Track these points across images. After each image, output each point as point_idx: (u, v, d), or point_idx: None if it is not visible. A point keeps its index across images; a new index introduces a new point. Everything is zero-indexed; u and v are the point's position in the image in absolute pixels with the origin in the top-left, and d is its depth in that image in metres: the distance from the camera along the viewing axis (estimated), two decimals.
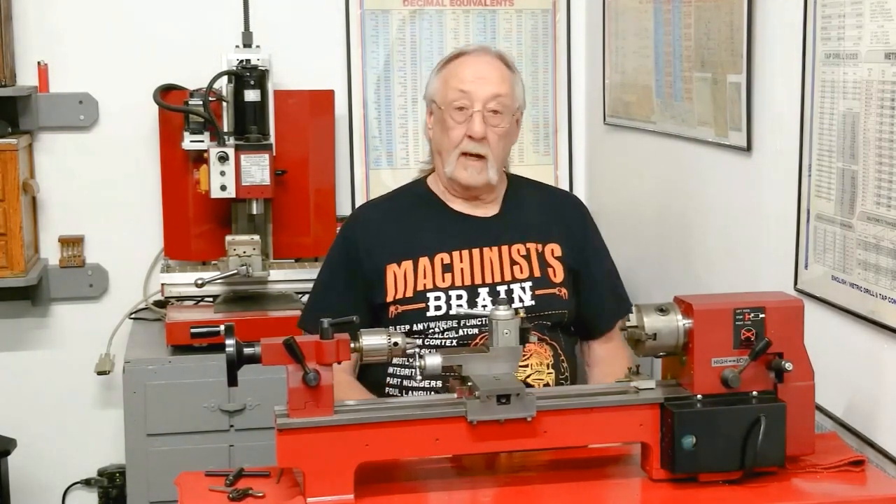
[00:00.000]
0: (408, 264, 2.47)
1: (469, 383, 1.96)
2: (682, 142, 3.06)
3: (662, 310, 2.01)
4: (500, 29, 3.90)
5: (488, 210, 2.57)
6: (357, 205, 3.82)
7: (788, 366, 1.97)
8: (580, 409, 1.99)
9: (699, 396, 1.98)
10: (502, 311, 2.00)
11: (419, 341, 2.43)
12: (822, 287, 2.30)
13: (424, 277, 2.46)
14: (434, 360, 1.97)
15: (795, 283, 2.40)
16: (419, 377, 2.43)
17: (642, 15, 3.29)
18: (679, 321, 2.00)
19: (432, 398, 2.12)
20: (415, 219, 2.56)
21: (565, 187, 3.94)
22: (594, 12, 3.78)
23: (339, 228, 2.66)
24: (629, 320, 2.03)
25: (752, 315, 1.98)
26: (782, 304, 2.02)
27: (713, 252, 2.89)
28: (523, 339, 2.01)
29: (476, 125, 2.44)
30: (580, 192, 3.95)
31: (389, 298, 2.46)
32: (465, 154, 2.47)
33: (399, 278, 2.46)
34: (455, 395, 2.01)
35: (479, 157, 2.47)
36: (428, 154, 2.68)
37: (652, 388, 2.01)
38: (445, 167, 2.50)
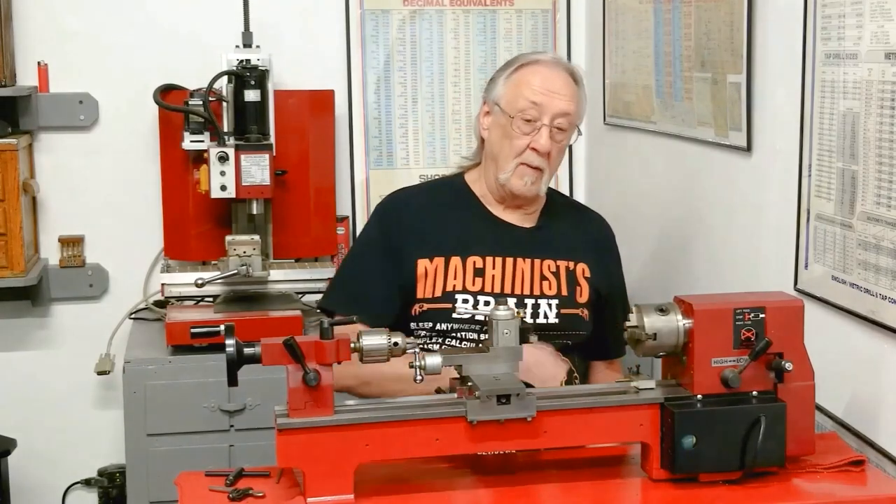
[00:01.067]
0: (439, 261, 2.45)
1: (469, 383, 1.96)
2: (682, 142, 3.06)
3: (662, 310, 2.01)
4: (500, 29, 3.90)
5: (525, 221, 2.55)
6: (357, 204, 3.83)
7: (788, 366, 1.97)
8: (580, 409, 1.99)
9: (699, 396, 1.98)
10: (502, 311, 2.00)
11: (440, 340, 2.42)
12: (822, 287, 2.30)
13: (454, 278, 2.44)
14: (434, 360, 1.97)
15: (795, 283, 2.40)
16: (418, 378, 2.42)
17: (642, 15, 3.29)
18: (679, 321, 2.00)
19: (432, 398, 2.12)
20: (451, 216, 2.53)
21: (565, 187, 3.94)
22: (594, 12, 3.78)
23: (345, 246, 2.63)
24: (629, 320, 2.03)
25: (752, 315, 1.98)
26: (782, 304, 2.02)
27: (713, 252, 2.89)
28: (523, 339, 2.01)
29: (543, 139, 2.42)
30: (580, 193, 3.96)
31: (418, 295, 2.44)
32: (524, 164, 2.45)
33: (429, 274, 2.44)
34: (455, 395, 2.01)
35: (537, 168, 2.46)
36: (475, 151, 2.62)
37: (652, 388, 2.01)
38: (500, 173, 2.47)
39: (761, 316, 1.98)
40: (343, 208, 3.79)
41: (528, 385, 2.00)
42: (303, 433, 1.89)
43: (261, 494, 1.94)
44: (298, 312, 3.32)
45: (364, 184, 3.85)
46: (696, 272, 2.99)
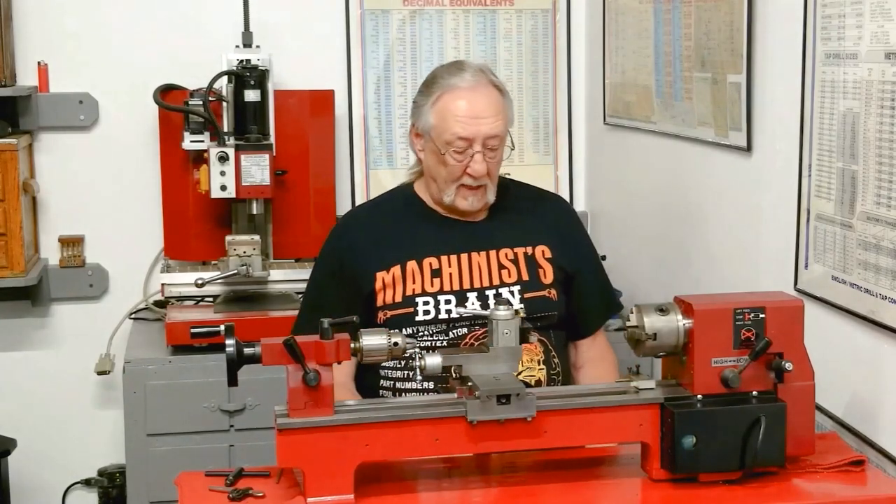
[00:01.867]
0: (396, 269, 2.47)
1: (469, 383, 1.96)
2: (682, 142, 3.06)
3: (662, 310, 2.01)
4: (500, 29, 3.90)
5: (476, 215, 2.55)
6: (357, 204, 3.82)
7: (788, 366, 1.97)
8: (580, 409, 1.99)
9: (699, 396, 1.98)
10: (502, 311, 2.00)
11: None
12: (822, 287, 2.30)
13: (413, 282, 2.45)
14: (434, 360, 1.97)
15: (795, 283, 2.40)
16: (418, 377, 2.42)
17: (642, 15, 3.29)
18: (679, 321, 2.00)
19: (432, 398, 2.12)
20: (402, 224, 2.55)
21: (565, 187, 3.94)
22: (594, 12, 3.78)
23: (327, 235, 2.64)
24: (629, 320, 2.03)
25: (752, 315, 1.98)
26: (782, 304, 2.02)
27: (713, 252, 2.89)
28: (523, 339, 2.01)
29: (477, 166, 2.41)
30: (580, 192, 3.96)
31: (379, 303, 2.46)
32: (463, 186, 2.46)
33: (388, 284, 2.46)
34: (455, 395, 2.01)
35: (479, 187, 2.46)
36: (413, 164, 2.63)
37: (652, 388, 2.01)
38: (444, 196, 2.48)
39: (761, 316, 1.98)
40: (343, 208, 3.79)
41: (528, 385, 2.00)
42: (303, 433, 1.89)
43: (261, 494, 1.94)
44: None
45: (364, 184, 3.85)
46: (696, 272, 2.99)
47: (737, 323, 1.98)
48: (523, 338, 2.01)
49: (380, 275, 2.47)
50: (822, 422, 2.24)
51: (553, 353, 2.48)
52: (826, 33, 2.25)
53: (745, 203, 2.69)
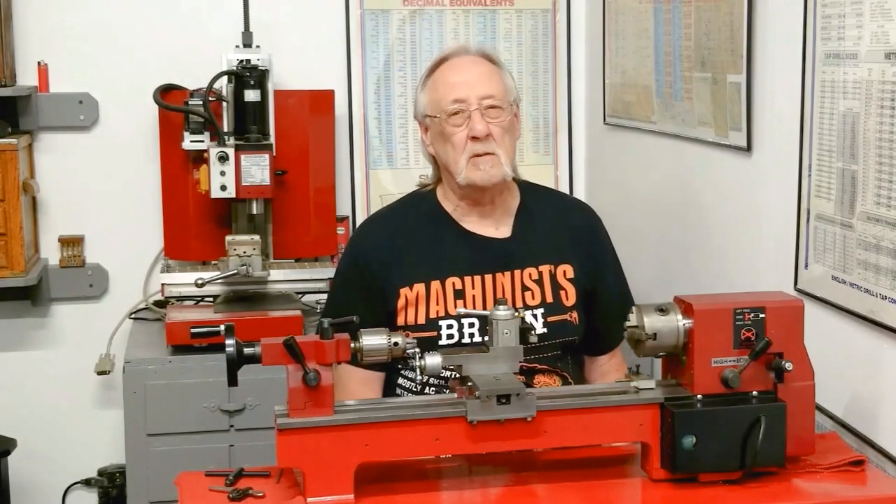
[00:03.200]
0: (420, 287, 2.42)
1: (469, 383, 1.96)
2: (682, 142, 3.06)
3: (662, 310, 2.01)
4: (500, 29, 3.90)
5: (500, 230, 2.51)
6: (357, 204, 3.83)
7: (788, 366, 1.97)
8: (580, 409, 1.99)
9: (699, 396, 1.98)
10: (502, 311, 2.00)
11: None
12: (822, 287, 2.30)
13: (437, 304, 2.41)
14: (434, 360, 1.97)
15: (795, 283, 2.40)
16: (425, 384, 2.41)
17: (642, 15, 3.29)
18: (679, 321, 2.00)
19: (432, 398, 2.12)
20: (425, 237, 2.49)
21: (565, 187, 3.94)
22: (594, 12, 3.78)
23: (344, 246, 2.58)
24: (629, 320, 2.03)
25: (752, 315, 1.98)
26: (782, 304, 2.02)
27: (713, 252, 2.89)
28: (523, 339, 2.01)
29: (477, 123, 2.38)
30: (580, 193, 3.95)
31: (400, 322, 2.42)
32: (473, 155, 2.41)
33: (411, 302, 2.42)
34: (455, 395, 2.01)
35: (487, 153, 2.41)
36: (431, 172, 2.59)
37: (652, 388, 2.01)
38: (457, 176, 2.42)
39: (761, 316, 1.98)
40: (343, 208, 3.79)
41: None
42: (303, 433, 1.89)
43: (261, 494, 1.94)
44: (298, 312, 3.32)
45: (364, 184, 3.85)
46: (696, 272, 2.99)
47: (737, 323, 1.98)
48: (523, 338, 2.01)
49: (403, 290, 2.43)
50: (822, 422, 2.24)
51: (571, 384, 2.46)
52: (826, 33, 2.25)
53: (745, 203, 2.69)
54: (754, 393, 1.99)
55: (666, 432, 1.97)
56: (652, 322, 2.00)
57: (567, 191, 3.92)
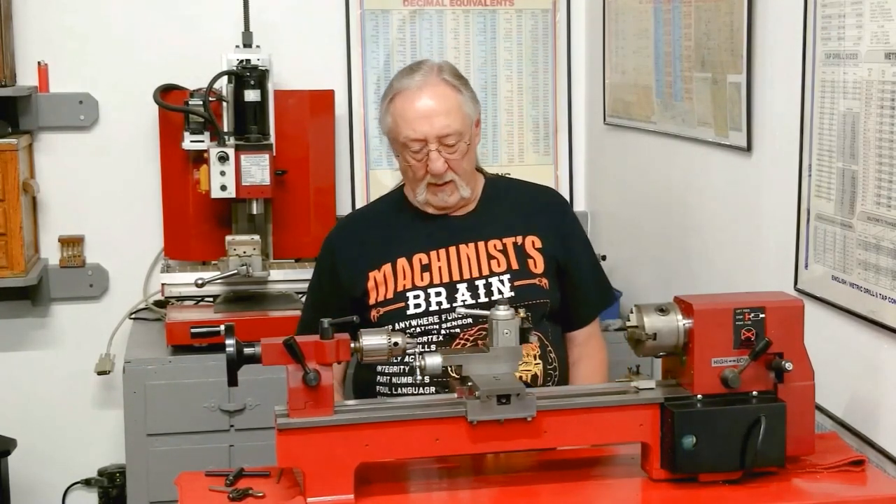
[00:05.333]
0: (387, 267, 2.50)
1: (469, 383, 1.97)
2: (682, 142, 3.06)
3: (662, 310, 2.01)
4: (500, 29, 3.90)
5: (464, 208, 2.57)
6: (357, 204, 3.83)
7: (788, 366, 1.97)
8: (580, 409, 1.99)
9: (699, 396, 1.98)
10: (502, 311, 2.00)
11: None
12: (822, 287, 2.30)
13: (404, 278, 2.48)
14: (434, 360, 1.97)
15: (795, 283, 2.40)
16: (418, 377, 2.43)
17: (642, 15, 3.29)
18: (679, 321, 2.00)
19: (432, 398, 2.12)
20: (392, 224, 2.58)
21: (565, 187, 3.94)
22: (594, 12, 3.78)
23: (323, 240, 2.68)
24: (629, 320, 2.03)
25: (752, 315, 1.98)
26: (782, 304, 2.02)
27: (713, 252, 2.89)
28: (524, 339, 2.01)
29: (434, 164, 2.43)
30: (580, 193, 3.96)
31: (371, 302, 2.48)
32: (431, 184, 2.48)
33: (380, 282, 2.49)
34: (455, 395, 2.01)
35: (446, 183, 2.48)
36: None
37: (652, 388, 2.01)
38: (416, 196, 2.52)
39: (761, 316, 1.98)
40: (343, 208, 3.79)
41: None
42: (303, 433, 1.89)
43: (261, 494, 1.94)
44: (298, 312, 3.31)
45: (364, 184, 3.85)
46: (696, 272, 2.99)
47: (737, 323, 1.98)
48: (523, 338, 2.01)
49: (372, 274, 2.50)
50: (822, 422, 2.23)
51: (549, 347, 2.48)
52: (826, 33, 2.25)
53: (745, 203, 2.69)
54: (754, 393, 1.99)
55: (666, 432, 1.97)
56: (652, 322, 2.00)
57: (567, 190, 3.92)
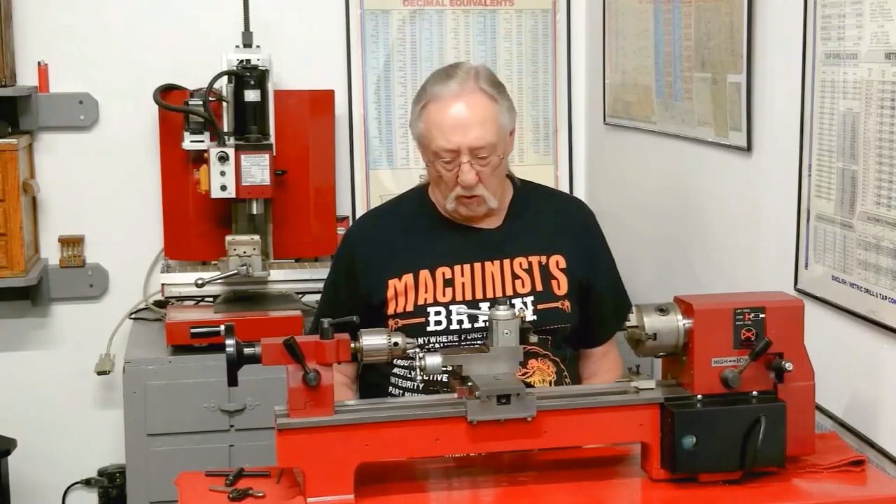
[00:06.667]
0: (408, 278, 2.44)
1: (469, 383, 1.96)
2: (682, 142, 3.06)
3: (662, 310, 2.01)
4: (500, 29, 3.90)
5: (491, 221, 2.52)
6: (357, 205, 3.83)
7: (788, 366, 1.97)
8: (580, 409, 1.99)
9: (699, 396, 1.98)
10: (502, 311, 2.00)
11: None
12: (822, 287, 2.30)
13: (426, 292, 2.43)
14: (434, 360, 1.97)
15: (795, 283, 2.40)
16: (420, 378, 2.42)
17: (642, 15, 3.29)
18: (679, 321, 2.00)
19: (432, 398, 2.12)
20: (416, 230, 2.52)
21: (565, 187, 3.94)
22: (594, 12, 3.78)
23: (342, 236, 2.64)
24: (629, 320, 2.03)
25: (752, 315, 1.98)
26: (782, 304, 2.02)
27: (713, 252, 2.89)
28: (523, 339, 2.01)
29: (466, 176, 2.37)
30: (580, 193, 3.95)
31: (390, 311, 2.44)
32: (460, 196, 2.42)
33: (400, 292, 2.44)
34: (455, 395, 2.01)
35: (475, 196, 2.42)
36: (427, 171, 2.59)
37: (652, 388, 2.01)
38: (446, 204, 2.46)
39: (761, 316, 1.98)
40: (343, 208, 3.79)
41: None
42: (303, 433, 1.89)
43: (261, 494, 1.94)
44: (298, 312, 3.32)
45: (364, 184, 3.85)
46: (696, 272, 2.99)
47: (737, 323, 1.98)
48: (523, 338, 2.01)
49: (392, 282, 2.45)
50: (822, 422, 2.23)
51: (565, 373, 2.46)
52: (826, 33, 2.25)
53: (745, 203, 2.69)
54: (754, 393, 1.99)
55: (666, 432, 1.97)
56: (652, 322, 2.00)
57: (567, 190, 3.92)
